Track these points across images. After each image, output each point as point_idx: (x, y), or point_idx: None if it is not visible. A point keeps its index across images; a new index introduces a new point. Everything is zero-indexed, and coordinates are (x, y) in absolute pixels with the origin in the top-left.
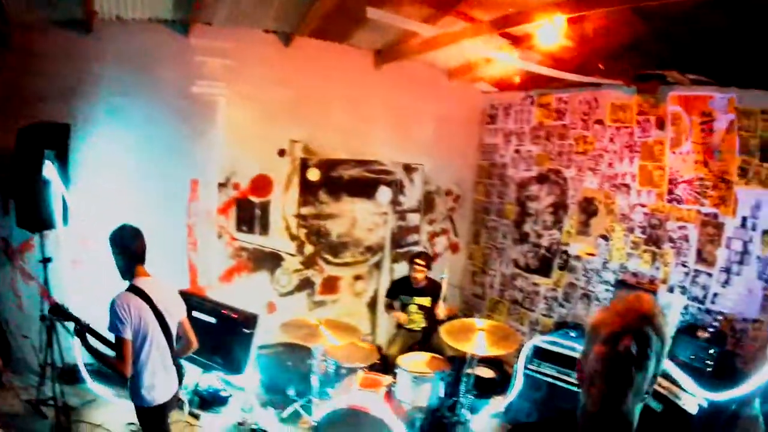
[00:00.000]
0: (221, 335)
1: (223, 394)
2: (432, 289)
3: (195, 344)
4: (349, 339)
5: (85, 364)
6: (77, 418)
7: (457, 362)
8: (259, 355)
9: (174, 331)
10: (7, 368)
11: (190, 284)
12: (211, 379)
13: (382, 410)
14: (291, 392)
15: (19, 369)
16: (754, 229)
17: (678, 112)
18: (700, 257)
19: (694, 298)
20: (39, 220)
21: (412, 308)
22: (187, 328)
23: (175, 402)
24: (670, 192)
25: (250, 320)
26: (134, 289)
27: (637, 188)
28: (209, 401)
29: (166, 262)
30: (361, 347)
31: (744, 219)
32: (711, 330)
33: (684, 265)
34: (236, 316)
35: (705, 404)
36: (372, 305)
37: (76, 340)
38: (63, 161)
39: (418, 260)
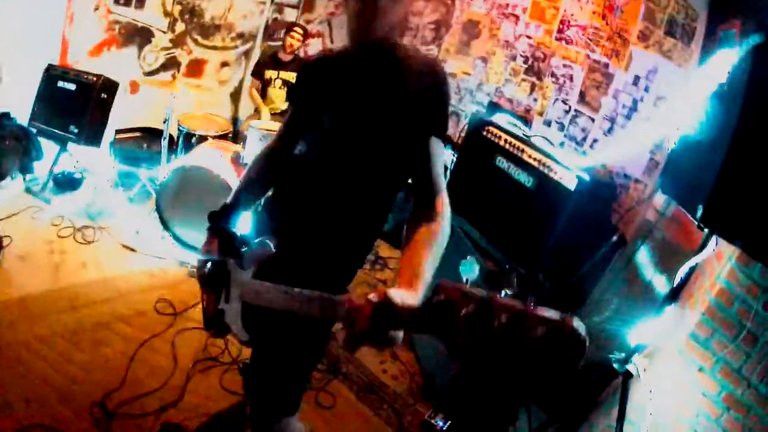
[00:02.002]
0: (79, 101)
1: (77, 176)
2: (299, 66)
3: None
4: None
5: None
6: None
7: None
8: (116, 139)
9: None
10: None
11: (60, 59)
12: (67, 164)
13: (226, 170)
14: (143, 174)
15: None
16: (646, 90)
17: None
18: (583, 100)
19: (572, 138)
20: None
21: (277, 83)
22: None
23: None
24: (560, 31)
25: (109, 85)
26: None
27: (526, 20)
28: (63, 184)
29: (38, 36)
30: (215, 120)
31: (637, 78)
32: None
33: (564, 102)
34: (96, 80)
35: (586, 178)
36: (236, 96)
37: None
38: None
39: (296, 27)
